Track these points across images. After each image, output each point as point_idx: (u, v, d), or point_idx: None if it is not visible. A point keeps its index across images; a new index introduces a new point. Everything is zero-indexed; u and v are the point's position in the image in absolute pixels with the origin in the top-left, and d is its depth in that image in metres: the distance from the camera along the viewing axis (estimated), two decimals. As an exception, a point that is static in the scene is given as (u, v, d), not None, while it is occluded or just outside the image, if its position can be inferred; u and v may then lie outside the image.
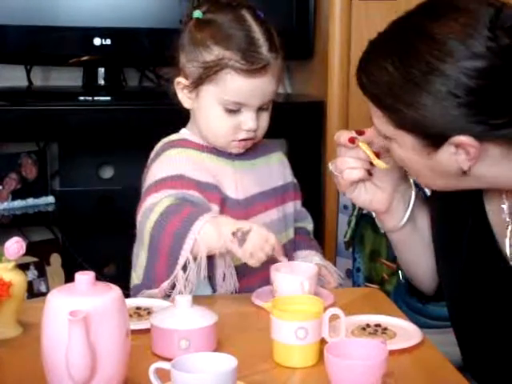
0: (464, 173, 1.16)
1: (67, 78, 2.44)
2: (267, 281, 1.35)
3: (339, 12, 2.22)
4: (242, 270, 1.38)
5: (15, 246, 1.20)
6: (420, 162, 1.18)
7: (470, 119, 1.11)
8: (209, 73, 1.40)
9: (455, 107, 1.10)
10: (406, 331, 1.21)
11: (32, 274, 2.31)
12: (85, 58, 2.28)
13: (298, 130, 2.29)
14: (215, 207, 1.40)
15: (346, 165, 1.30)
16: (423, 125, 1.13)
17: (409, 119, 1.14)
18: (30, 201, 2.36)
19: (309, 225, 1.61)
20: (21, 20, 2.21)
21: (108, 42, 2.24)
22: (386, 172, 1.31)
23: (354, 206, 2.19)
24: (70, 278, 1.03)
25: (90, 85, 2.35)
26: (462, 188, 1.21)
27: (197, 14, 1.44)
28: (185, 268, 1.32)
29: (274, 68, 1.42)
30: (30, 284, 2.25)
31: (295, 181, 1.59)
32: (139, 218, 1.39)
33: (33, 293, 2.29)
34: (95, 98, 2.29)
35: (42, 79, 2.49)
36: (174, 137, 1.49)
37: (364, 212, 2.16)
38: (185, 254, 1.31)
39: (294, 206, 1.56)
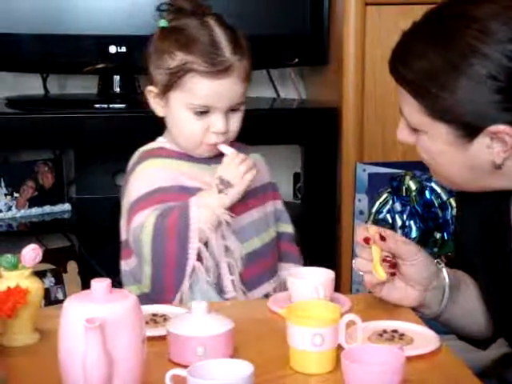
0: (497, 168, 1.13)
1: (83, 85, 2.45)
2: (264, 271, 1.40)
3: (353, 17, 2.22)
4: (243, 263, 1.44)
5: (32, 253, 1.20)
6: (452, 156, 1.16)
7: (509, 106, 1.08)
8: (174, 78, 1.43)
9: (494, 92, 1.08)
10: (423, 337, 1.20)
11: (49, 281, 2.32)
12: (100, 65, 2.29)
13: (312, 135, 2.28)
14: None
15: (363, 267, 1.27)
16: (460, 112, 1.11)
17: (445, 106, 1.12)
18: (47, 208, 2.37)
19: (290, 228, 1.61)
20: (36, 29, 2.22)
21: (123, 49, 2.25)
22: (415, 270, 1.25)
23: (369, 211, 2.18)
24: (86, 285, 1.03)
25: (106, 92, 2.36)
26: (493, 188, 1.19)
27: (162, 23, 1.48)
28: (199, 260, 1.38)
29: (239, 70, 1.44)
30: (47, 291, 2.26)
31: (274, 181, 1.60)
32: (131, 238, 1.44)
33: (50, 300, 2.29)
34: (111, 106, 2.30)
35: (58, 87, 2.50)
36: (150, 146, 1.52)
37: (380, 217, 2.16)
38: (195, 245, 1.38)
39: (274, 205, 1.57)
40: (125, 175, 1.51)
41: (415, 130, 1.20)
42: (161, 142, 1.52)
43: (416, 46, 1.15)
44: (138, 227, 1.41)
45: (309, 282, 1.29)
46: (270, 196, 1.57)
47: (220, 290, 1.43)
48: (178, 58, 1.43)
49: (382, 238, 1.24)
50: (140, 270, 1.45)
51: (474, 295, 1.34)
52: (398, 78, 1.19)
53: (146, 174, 1.46)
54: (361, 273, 1.28)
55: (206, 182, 1.45)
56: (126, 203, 1.47)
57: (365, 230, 1.26)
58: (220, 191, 1.40)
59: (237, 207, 1.45)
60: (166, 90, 1.45)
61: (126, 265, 1.50)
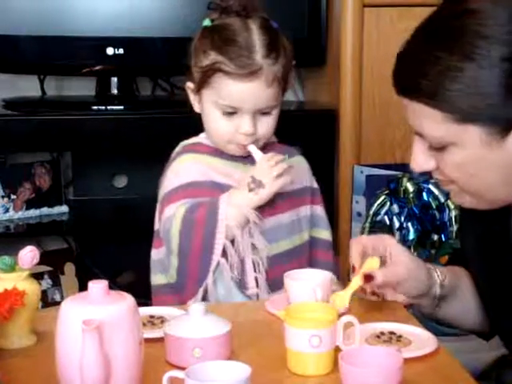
0: None
1: (80, 87, 2.45)
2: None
3: (351, 19, 2.22)
4: (269, 263, 1.45)
5: (29, 255, 1.20)
6: (487, 160, 1.12)
7: None
8: (204, 77, 1.45)
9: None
10: (421, 339, 1.20)
11: (46, 283, 2.32)
12: (98, 67, 2.29)
13: (310, 137, 2.28)
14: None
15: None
16: (487, 103, 1.08)
17: (472, 103, 1.09)
18: (44, 210, 2.37)
19: (328, 235, 1.60)
20: (34, 30, 2.22)
21: (121, 51, 2.25)
22: (405, 291, 1.29)
23: (367, 213, 2.18)
24: (83, 287, 1.03)
25: (103, 94, 2.36)
26: None
27: (206, 22, 1.49)
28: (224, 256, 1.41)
29: (269, 74, 1.44)
30: (44, 293, 2.25)
31: (315, 185, 1.60)
32: (161, 228, 1.47)
33: (47, 302, 2.29)
34: (108, 108, 2.30)
35: (56, 89, 2.50)
36: (190, 140, 1.55)
37: (378, 219, 2.16)
38: (221, 242, 1.40)
39: (310, 210, 1.57)
40: (165, 167, 1.53)
41: (438, 149, 1.15)
42: (201, 137, 1.54)
43: (423, 53, 1.12)
44: (168, 219, 1.44)
45: (306, 284, 1.29)
46: (306, 200, 1.56)
47: (243, 287, 1.44)
48: (211, 57, 1.45)
49: (369, 278, 1.26)
50: (168, 260, 1.46)
51: (470, 295, 1.35)
52: (412, 94, 1.14)
53: (180, 168, 1.49)
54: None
55: (237, 179, 1.46)
56: (160, 194, 1.50)
57: (355, 256, 1.28)
58: (251, 190, 1.42)
59: (268, 208, 1.46)
60: (200, 87, 1.47)
61: (156, 254, 1.52)
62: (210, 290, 1.42)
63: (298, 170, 1.54)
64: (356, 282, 1.27)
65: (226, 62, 1.43)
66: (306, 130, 2.28)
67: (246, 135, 1.46)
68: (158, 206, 1.50)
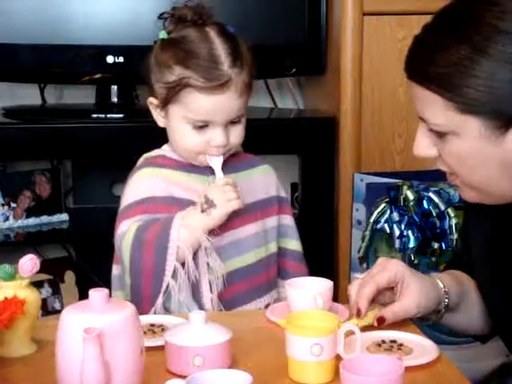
0: None
1: (80, 95, 2.45)
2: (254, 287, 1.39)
3: (351, 27, 2.22)
4: (231, 278, 1.43)
5: (29, 263, 1.20)
6: (486, 154, 1.12)
7: None
8: (172, 93, 1.42)
9: None
10: (422, 347, 1.20)
11: (46, 291, 2.31)
12: (98, 75, 2.29)
13: (310, 145, 2.28)
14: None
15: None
16: (492, 98, 1.08)
17: (477, 95, 1.09)
18: (44, 218, 2.37)
19: (297, 246, 1.57)
20: (34, 39, 2.22)
21: (121, 59, 2.25)
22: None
23: (367, 221, 2.18)
24: (83, 296, 1.03)
25: (103, 102, 2.36)
26: None
27: (162, 34, 1.46)
28: (174, 278, 1.38)
29: (238, 83, 1.42)
30: (44, 301, 2.25)
31: (282, 194, 1.57)
32: (116, 244, 1.44)
33: (47, 310, 2.29)
34: (108, 116, 2.30)
35: (56, 97, 2.50)
36: (153, 153, 1.52)
37: (378, 227, 2.15)
38: (171, 264, 1.37)
39: (277, 220, 1.54)
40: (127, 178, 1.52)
41: (440, 136, 1.15)
42: (164, 149, 1.52)
43: (437, 40, 1.12)
44: (120, 236, 1.42)
45: (307, 292, 1.29)
46: (274, 210, 1.53)
47: (201, 307, 1.42)
48: (176, 72, 1.41)
49: (381, 320, 1.23)
50: (123, 278, 1.45)
51: (474, 301, 1.34)
52: (419, 78, 1.14)
53: (138, 183, 1.47)
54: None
55: (199, 192, 1.44)
56: (119, 208, 1.47)
57: (362, 301, 1.24)
58: (203, 211, 1.39)
59: (230, 222, 1.43)
60: (166, 102, 1.44)
61: (115, 269, 1.50)
62: (158, 310, 1.39)
63: (263, 180, 1.52)
64: (366, 321, 1.25)
65: (193, 77, 1.39)
66: (305, 138, 2.28)
67: (219, 147, 1.44)
68: (117, 221, 1.46)
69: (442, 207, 2.10)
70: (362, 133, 2.26)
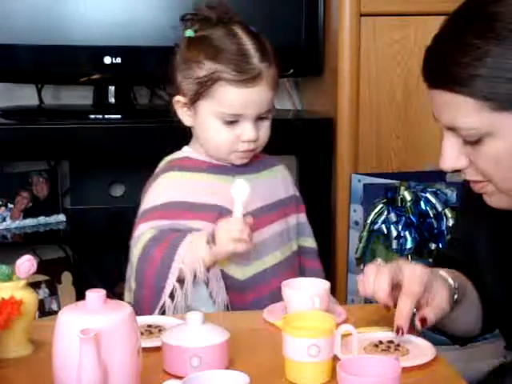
0: None
1: (78, 96, 2.45)
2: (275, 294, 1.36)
3: (348, 28, 2.22)
4: (260, 277, 1.44)
5: (26, 264, 1.20)
6: None
7: None
8: (203, 88, 1.43)
9: None
10: (419, 348, 1.20)
11: (43, 292, 2.31)
12: (95, 76, 2.29)
13: (307, 146, 2.29)
14: (209, 227, 1.40)
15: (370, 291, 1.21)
16: None
17: (509, 90, 1.05)
18: (42, 219, 2.37)
19: (314, 243, 1.60)
20: (31, 39, 2.22)
21: (118, 60, 2.25)
22: None
23: (364, 222, 2.18)
24: (81, 296, 1.03)
25: (101, 103, 2.36)
26: None
27: (188, 33, 1.48)
28: (171, 297, 1.38)
29: (268, 77, 1.44)
30: (41, 302, 2.25)
31: (297, 193, 1.59)
32: (131, 246, 1.44)
33: (44, 311, 2.29)
34: (106, 117, 2.30)
35: (53, 98, 2.50)
36: (175, 155, 1.51)
37: (375, 228, 2.16)
38: (171, 283, 1.37)
39: (296, 218, 1.56)
40: (148, 182, 1.50)
41: (473, 143, 1.11)
42: (186, 151, 1.51)
43: (455, 42, 1.08)
44: (135, 238, 1.43)
45: (304, 293, 1.29)
46: (293, 209, 1.55)
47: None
48: (207, 67, 1.43)
49: (424, 321, 1.19)
50: (129, 278, 1.45)
51: (473, 301, 1.32)
52: (443, 84, 1.10)
53: (162, 186, 1.46)
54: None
55: (226, 197, 1.41)
56: (139, 210, 1.47)
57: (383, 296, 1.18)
58: (207, 242, 1.38)
59: (258, 221, 1.43)
60: (195, 99, 1.45)
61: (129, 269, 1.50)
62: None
63: (282, 179, 1.53)
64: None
65: (225, 70, 1.41)
66: (303, 139, 2.28)
67: (249, 141, 1.45)
68: (135, 223, 1.46)
69: (440, 208, 2.10)
70: (360, 134, 2.27)
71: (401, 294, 1.19)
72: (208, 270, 1.39)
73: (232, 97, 1.42)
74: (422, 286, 1.18)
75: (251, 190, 1.41)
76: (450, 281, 1.25)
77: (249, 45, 1.44)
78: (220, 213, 1.43)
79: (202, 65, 1.43)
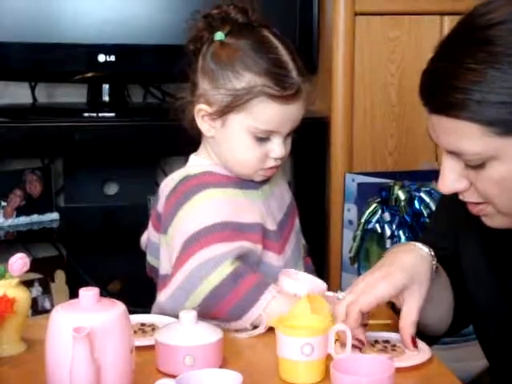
0: None
1: (72, 94, 2.45)
2: None
3: (342, 27, 2.23)
4: None
5: (19, 262, 1.19)
6: None
7: None
8: (239, 101, 1.30)
9: None
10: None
11: (36, 290, 2.31)
12: (89, 74, 2.29)
13: (302, 145, 2.26)
14: (259, 248, 1.34)
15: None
16: None
17: None
18: (35, 217, 2.36)
19: (303, 241, 1.57)
20: (25, 37, 2.22)
21: (112, 58, 2.25)
22: None
23: (359, 221, 2.19)
24: (74, 295, 1.03)
25: (95, 101, 2.36)
26: None
27: (219, 36, 1.34)
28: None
29: (304, 92, 1.34)
30: (34, 301, 2.24)
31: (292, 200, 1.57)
32: (188, 267, 1.27)
33: (37, 310, 2.28)
34: (100, 115, 2.29)
35: (47, 96, 2.50)
36: (195, 170, 1.36)
37: (369, 227, 2.16)
38: (244, 324, 1.26)
39: (298, 221, 1.55)
40: (171, 205, 1.33)
41: (476, 167, 1.09)
42: (202, 165, 1.37)
43: (454, 67, 1.07)
44: (206, 267, 1.26)
45: (301, 284, 1.29)
46: (296, 211, 1.50)
47: None
48: (246, 79, 1.30)
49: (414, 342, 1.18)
50: (175, 302, 1.29)
51: (446, 286, 1.29)
52: (445, 110, 1.07)
53: (208, 203, 1.31)
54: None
55: (261, 215, 1.35)
56: (178, 234, 1.30)
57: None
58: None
59: (284, 232, 1.41)
60: (226, 111, 1.32)
61: (163, 295, 1.32)
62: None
63: (283, 184, 1.50)
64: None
65: (268, 84, 1.30)
66: (297, 138, 2.27)
67: (277, 159, 1.36)
68: (177, 247, 1.29)
69: (434, 207, 2.10)
70: (354, 133, 2.27)
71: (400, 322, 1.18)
72: None
73: (271, 113, 1.31)
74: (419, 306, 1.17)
75: (271, 201, 1.39)
76: (425, 249, 1.21)
77: (285, 56, 1.33)
78: (262, 235, 1.35)
79: (241, 76, 1.30)
